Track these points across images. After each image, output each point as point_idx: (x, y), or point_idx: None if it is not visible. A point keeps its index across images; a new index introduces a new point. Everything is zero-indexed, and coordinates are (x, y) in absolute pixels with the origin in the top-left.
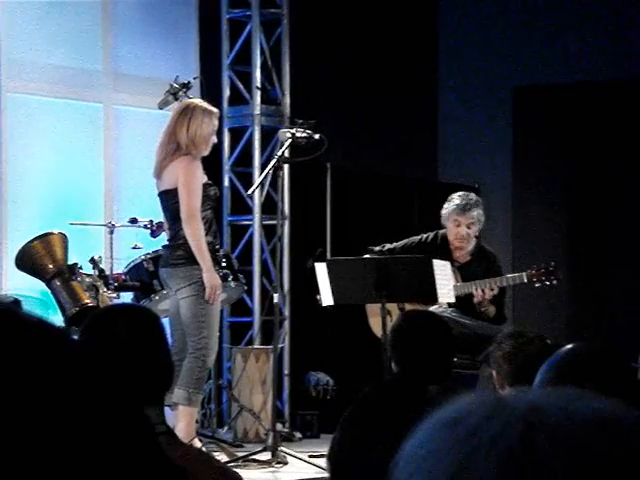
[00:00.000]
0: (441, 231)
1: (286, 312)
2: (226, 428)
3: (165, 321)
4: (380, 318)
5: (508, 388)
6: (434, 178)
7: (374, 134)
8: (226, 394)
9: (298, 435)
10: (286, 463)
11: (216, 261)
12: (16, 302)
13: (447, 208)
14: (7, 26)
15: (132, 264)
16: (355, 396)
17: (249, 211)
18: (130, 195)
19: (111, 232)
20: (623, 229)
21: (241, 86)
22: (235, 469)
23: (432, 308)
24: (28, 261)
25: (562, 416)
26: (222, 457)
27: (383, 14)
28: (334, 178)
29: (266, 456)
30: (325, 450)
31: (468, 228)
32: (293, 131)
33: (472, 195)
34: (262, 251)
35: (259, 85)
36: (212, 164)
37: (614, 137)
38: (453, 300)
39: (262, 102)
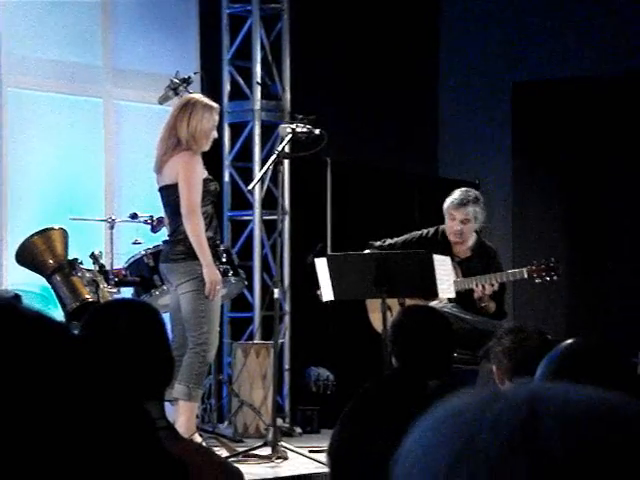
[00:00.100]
0: (442, 226)
1: (286, 307)
2: (226, 423)
3: (165, 316)
4: (380, 313)
5: (508, 383)
6: (434, 173)
7: (374, 129)
8: (226, 389)
9: (298, 430)
10: (286, 458)
11: (216, 256)
12: (17, 297)
13: (446, 202)
14: (8, 21)
15: (132, 259)
16: (355, 391)
17: (249, 206)
18: (130, 190)
19: (111, 227)
20: (623, 225)
21: (241, 81)
22: (235, 464)
23: (432, 303)
24: (28, 256)
25: (563, 402)
26: (222, 452)
27: (384, 9)
28: (334, 173)
29: (266, 451)
30: (325, 445)
31: (463, 224)
32: (293, 126)
33: (472, 192)
34: (262, 246)
35: (259, 80)
36: (212, 159)
37: (614, 133)
38: (453, 295)
39: (262, 97)
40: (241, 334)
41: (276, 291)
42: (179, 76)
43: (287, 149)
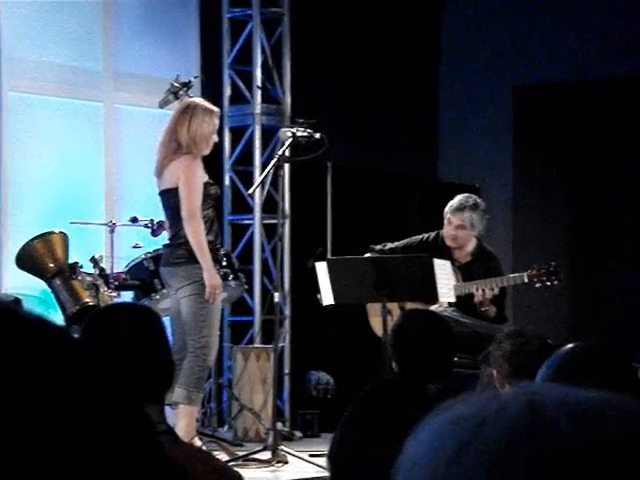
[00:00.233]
0: (442, 231)
1: (287, 311)
2: (226, 427)
3: (166, 320)
4: (381, 317)
5: (508, 387)
6: (434, 177)
7: (375, 133)
8: (226, 393)
9: (298, 434)
10: (286, 462)
11: (217, 260)
12: (17, 301)
13: (446, 207)
14: (8, 25)
15: (133, 263)
16: (355, 395)
17: (250, 210)
18: (131, 194)
19: (112, 231)
20: (624, 228)
21: (242, 85)
22: (235, 468)
23: (433, 307)
24: (29, 260)
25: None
26: (222, 456)
27: (385, 13)
28: (335, 177)
29: (266, 455)
30: (325, 449)
31: (458, 229)
32: (294, 130)
33: (472, 199)
34: (263, 250)
35: (260, 84)
36: (213, 163)
37: (614, 135)
38: (453, 299)
39: (263, 101)
40: (241, 338)
41: (276, 295)
42: (179, 80)
43: (287, 153)
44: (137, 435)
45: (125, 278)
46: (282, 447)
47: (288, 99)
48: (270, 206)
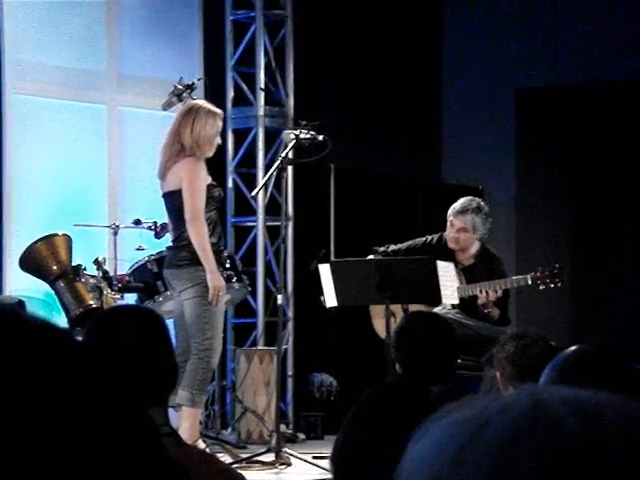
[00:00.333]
0: (445, 233)
1: (290, 313)
2: (230, 429)
3: (169, 322)
4: (384, 319)
5: (512, 389)
6: (437, 179)
7: (378, 136)
8: (230, 395)
9: (302, 436)
10: (290, 464)
11: (220, 262)
12: (20, 303)
13: (449, 209)
14: (12, 27)
15: (136, 265)
16: (359, 397)
17: (253, 212)
18: (134, 196)
19: (115, 233)
20: (626, 230)
21: (245, 87)
22: (239, 470)
23: (436, 309)
24: (32, 262)
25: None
26: (226, 458)
27: (387, 15)
28: (338, 179)
29: (270, 457)
30: (329, 451)
31: (459, 232)
32: (297, 132)
33: (476, 202)
34: (266, 252)
35: (263, 86)
36: (216, 165)
37: (617, 137)
38: (457, 301)
39: (266, 103)
40: (244, 340)
41: (279, 297)
42: (183, 82)
43: (291, 155)
44: (141, 437)
45: (128, 280)
46: (285, 449)
47: (291, 101)
48: (273, 208)
